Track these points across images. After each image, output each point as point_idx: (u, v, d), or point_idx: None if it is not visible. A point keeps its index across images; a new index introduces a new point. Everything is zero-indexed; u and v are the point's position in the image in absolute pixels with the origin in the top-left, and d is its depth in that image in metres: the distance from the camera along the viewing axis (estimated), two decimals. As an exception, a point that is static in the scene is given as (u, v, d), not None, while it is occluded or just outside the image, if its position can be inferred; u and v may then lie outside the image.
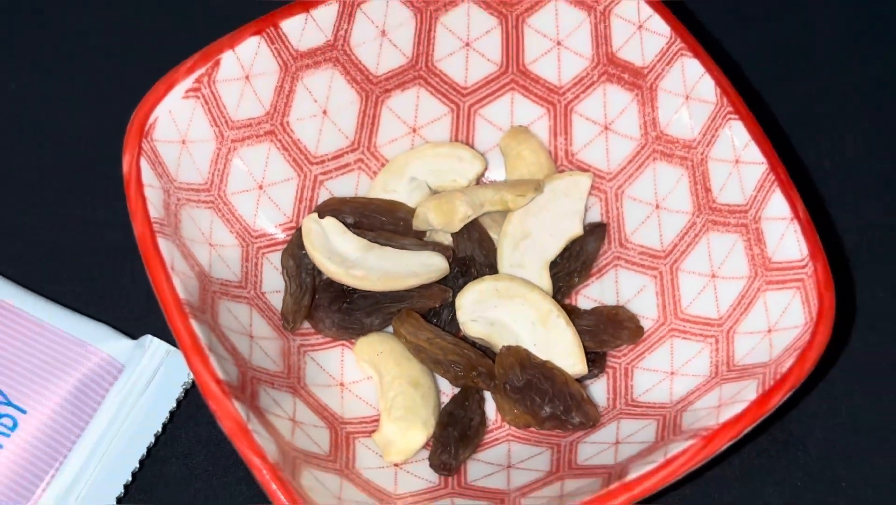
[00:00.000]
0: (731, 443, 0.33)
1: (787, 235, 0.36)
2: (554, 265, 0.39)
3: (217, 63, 0.37)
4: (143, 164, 0.36)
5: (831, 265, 0.35)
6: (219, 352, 0.34)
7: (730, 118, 0.37)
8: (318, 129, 0.40)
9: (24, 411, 0.37)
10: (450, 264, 0.39)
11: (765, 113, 0.43)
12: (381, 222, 0.39)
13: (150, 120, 0.36)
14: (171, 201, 0.36)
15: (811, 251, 0.35)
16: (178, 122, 0.37)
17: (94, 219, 0.42)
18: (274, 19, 0.38)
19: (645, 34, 0.39)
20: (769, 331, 0.36)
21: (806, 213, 0.36)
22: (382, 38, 0.40)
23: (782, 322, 0.35)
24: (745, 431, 0.33)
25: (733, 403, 0.34)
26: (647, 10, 0.39)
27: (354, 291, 0.38)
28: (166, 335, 0.37)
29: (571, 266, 0.40)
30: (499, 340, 0.38)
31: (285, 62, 0.38)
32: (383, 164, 0.41)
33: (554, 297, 0.39)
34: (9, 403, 0.37)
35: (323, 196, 0.40)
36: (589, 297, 0.40)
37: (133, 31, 0.45)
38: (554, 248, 0.39)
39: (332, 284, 0.38)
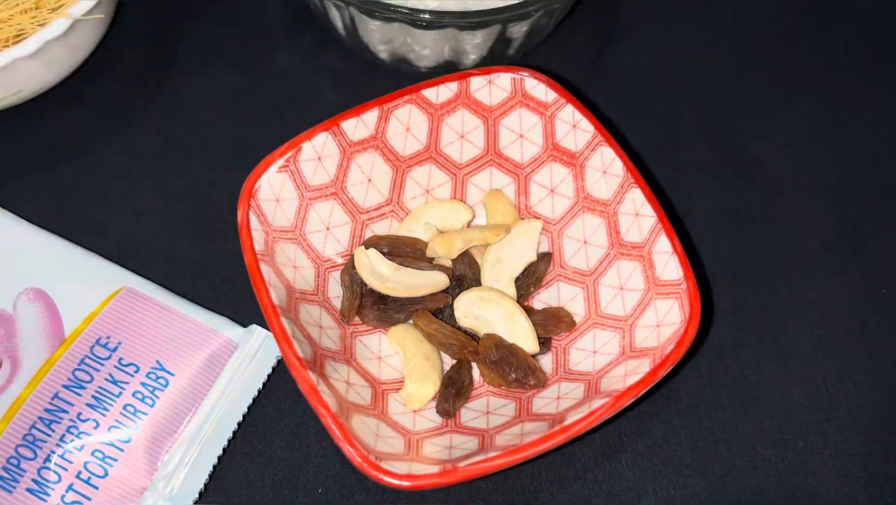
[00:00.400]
0: (632, 400, 0.31)
1: (669, 263, 0.34)
2: (517, 280, 0.37)
3: (299, 149, 0.36)
4: (251, 216, 0.34)
5: (697, 282, 0.34)
6: (299, 338, 0.32)
7: (632, 187, 0.36)
8: (365, 190, 0.38)
9: (172, 374, 0.35)
10: (449, 279, 0.37)
11: (653, 181, 0.42)
12: (406, 252, 0.38)
13: (256, 186, 0.35)
14: (269, 239, 0.35)
15: (685, 274, 0.34)
16: (273, 187, 0.36)
17: (223, 248, 0.40)
18: (337, 121, 0.36)
19: (577, 131, 0.37)
20: (657, 326, 0.34)
21: (681, 249, 0.34)
22: (407, 133, 0.38)
23: (666, 320, 0.34)
24: (642, 393, 0.31)
25: (634, 373, 0.32)
26: (579, 116, 0.37)
27: (388, 296, 0.37)
28: (266, 325, 0.36)
29: (529, 280, 0.38)
30: (482, 330, 0.36)
31: (344, 148, 0.37)
32: (407, 213, 0.39)
33: (518, 301, 0.37)
34: (163, 369, 0.35)
35: (367, 234, 0.38)
36: (541, 300, 0.38)
37: (247, 125, 0.43)
38: (518, 269, 0.38)
39: (373, 292, 0.37)
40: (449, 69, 0.43)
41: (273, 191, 0.36)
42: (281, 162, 0.36)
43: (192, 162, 0.42)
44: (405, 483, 0.29)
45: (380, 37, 0.41)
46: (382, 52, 0.42)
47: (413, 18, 0.38)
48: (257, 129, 0.43)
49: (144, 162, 0.42)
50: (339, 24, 0.42)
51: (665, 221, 0.35)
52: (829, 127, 0.44)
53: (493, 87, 0.38)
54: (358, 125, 0.37)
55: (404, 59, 0.42)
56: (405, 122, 0.38)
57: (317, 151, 0.36)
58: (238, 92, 0.44)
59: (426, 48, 0.41)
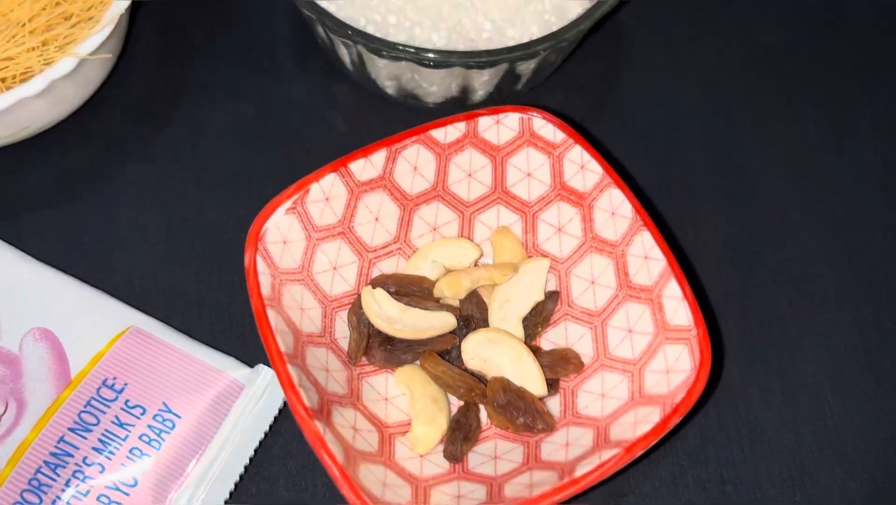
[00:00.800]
0: (643, 451, 0.31)
1: (679, 309, 0.34)
2: (525, 319, 0.37)
3: (307, 190, 0.35)
4: (258, 259, 0.34)
5: (707, 327, 0.34)
6: (306, 386, 0.32)
7: (641, 229, 0.35)
8: (372, 229, 0.38)
9: (179, 416, 0.35)
10: (457, 319, 0.37)
11: (660, 220, 0.41)
12: (413, 290, 0.38)
13: (263, 230, 0.35)
14: (276, 283, 0.35)
15: (695, 320, 0.33)
16: (281, 229, 0.35)
17: (231, 283, 0.39)
18: (345, 162, 0.36)
19: (586, 172, 0.37)
20: (667, 371, 0.33)
21: (692, 294, 0.34)
22: (415, 172, 0.38)
23: (676, 366, 0.33)
24: (653, 444, 0.31)
25: (645, 422, 0.32)
26: (587, 157, 0.37)
27: (395, 337, 0.37)
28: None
29: (536, 320, 0.37)
30: (489, 372, 0.36)
31: (351, 188, 0.37)
32: (414, 251, 0.39)
33: (525, 341, 0.36)
34: (169, 410, 0.35)
35: (374, 273, 0.38)
36: (548, 339, 0.38)
37: (256, 158, 0.42)
38: (525, 308, 0.37)
39: (380, 333, 0.37)
40: (456, 104, 0.43)
41: (280, 233, 0.35)
42: (288, 204, 0.35)
43: (200, 196, 0.42)
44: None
45: (387, 73, 0.40)
46: (389, 87, 0.42)
47: (420, 58, 0.38)
48: (265, 163, 0.43)
49: (152, 196, 0.42)
50: (346, 59, 0.42)
51: (675, 266, 0.35)
52: (839, 156, 0.44)
53: (501, 126, 0.38)
54: (366, 166, 0.37)
55: (412, 95, 0.42)
56: (413, 161, 0.37)
57: (325, 192, 0.36)
58: (246, 125, 0.43)
59: (433, 85, 0.41)
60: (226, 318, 0.39)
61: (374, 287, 0.37)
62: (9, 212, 0.41)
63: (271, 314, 0.33)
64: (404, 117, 0.43)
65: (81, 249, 0.40)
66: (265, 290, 0.33)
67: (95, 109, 0.43)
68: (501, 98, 0.43)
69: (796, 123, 0.45)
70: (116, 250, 0.40)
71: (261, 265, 0.34)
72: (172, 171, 0.42)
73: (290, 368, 0.32)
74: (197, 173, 0.42)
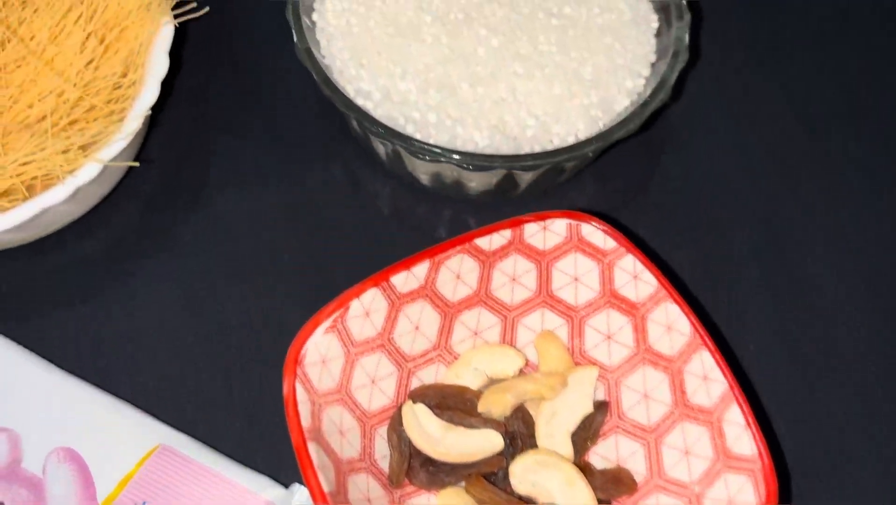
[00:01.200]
0: None
1: (741, 437, 0.32)
2: (574, 434, 0.35)
3: (347, 307, 0.34)
4: (298, 386, 0.32)
5: (773, 459, 0.32)
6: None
7: (700, 348, 0.34)
8: (412, 339, 0.36)
9: None
10: (503, 435, 0.36)
11: (720, 338, 0.39)
12: (455, 403, 0.36)
13: (302, 352, 0.33)
14: (315, 409, 0.33)
15: (759, 451, 0.31)
16: (320, 349, 0.33)
17: (261, 389, 0.38)
18: (386, 275, 0.34)
19: (639, 282, 0.35)
20: (728, 502, 0.32)
21: (756, 423, 0.32)
22: (457, 280, 0.36)
23: (738, 498, 0.31)
24: None
25: None
26: (641, 267, 0.35)
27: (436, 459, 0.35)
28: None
29: (585, 434, 0.36)
30: (539, 496, 0.34)
31: (392, 301, 0.35)
32: (455, 357, 0.37)
33: (574, 458, 0.35)
34: None
35: (414, 382, 0.36)
36: (598, 453, 0.36)
37: (286, 250, 0.40)
38: (574, 422, 0.35)
39: (422, 452, 0.35)
40: (496, 195, 0.41)
41: (319, 353, 0.33)
42: (328, 323, 0.33)
43: (227, 292, 0.40)
44: None
45: (425, 169, 0.39)
46: (425, 179, 0.40)
47: (462, 162, 0.36)
48: (297, 255, 0.41)
49: (177, 292, 0.40)
50: (381, 152, 0.40)
51: (737, 390, 0.33)
52: (891, 242, 0.42)
53: (548, 232, 0.36)
54: (408, 278, 0.35)
55: (450, 187, 0.40)
56: (456, 270, 0.36)
57: (365, 307, 0.34)
58: (275, 214, 0.42)
59: (473, 181, 0.39)
60: (259, 429, 0.37)
61: (414, 401, 0.35)
62: (28, 312, 0.39)
63: (312, 449, 0.31)
64: (440, 208, 0.41)
65: (103, 353, 0.38)
66: (305, 421, 0.31)
67: (115, 200, 0.41)
68: (542, 188, 0.41)
69: (845, 209, 0.43)
70: (140, 351, 0.39)
71: (300, 393, 0.32)
72: (197, 263, 0.41)
73: (333, 500, 0.30)
74: (225, 267, 0.40)
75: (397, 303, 0.35)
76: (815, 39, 0.47)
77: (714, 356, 0.33)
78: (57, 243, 0.40)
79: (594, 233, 0.36)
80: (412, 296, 0.35)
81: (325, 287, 0.36)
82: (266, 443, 0.37)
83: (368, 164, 0.42)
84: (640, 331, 0.36)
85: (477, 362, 0.37)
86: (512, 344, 0.38)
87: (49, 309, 0.39)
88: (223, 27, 0.44)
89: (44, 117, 0.37)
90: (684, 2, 0.40)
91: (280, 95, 0.44)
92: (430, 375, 0.37)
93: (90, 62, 0.37)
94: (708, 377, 0.34)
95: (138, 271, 0.40)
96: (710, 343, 0.34)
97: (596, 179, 0.42)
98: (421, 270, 0.35)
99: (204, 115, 0.43)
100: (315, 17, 0.40)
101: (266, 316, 0.39)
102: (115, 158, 0.36)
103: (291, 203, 0.42)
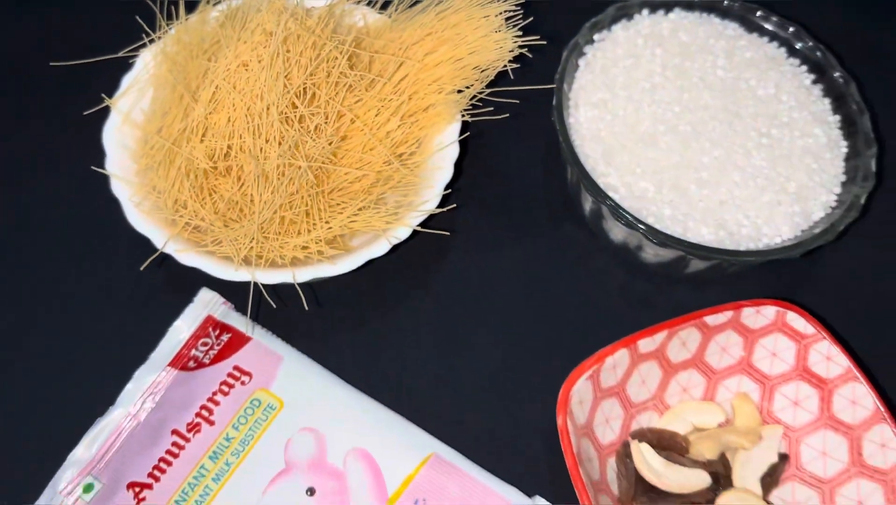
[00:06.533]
0: None
1: None
2: (762, 479, 0.43)
3: (603, 362, 0.42)
4: (568, 420, 0.41)
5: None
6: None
7: (881, 422, 0.41)
8: (638, 390, 0.44)
9: None
10: (710, 475, 0.44)
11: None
12: (670, 445, 0.44)
13: (571, 393, 0.41)
14: (576, 439, 0.41)
15: None
16: (580, 393, 0.42)
17: (513, 417, 0.45)
18: (635, 339, 0.42)
19: (831, 363, 0.43)
20: None
21: None
22: (682, 347, 0.44)
23: None
24: None
25: None
26: (835, 350, 0.42)
27: (657, 487, 0.43)
28: (543, 495, 0.43)
29: (770, 480, 0.43)
30: None
31: (633, 359, 0.43)
32: (666, 408, 0.45)
33: (763, 497, 0.43)
34: None
35: (633, 425, 0.44)
36: (777, 497, 0.44)
37: (526, 331, 0.48)
38: (762, 469, 0.43)
39: (643, 480, 0.43)
40: (704, 274, 0.49)
41: (579, 395, 0.42)
42: (589, 373, 0.42)
43: (474, 336, 0.48)
44: None
45: (654, 252, 0.47)
46: (650, 258, 0.49)
47: (691, 251, 0.44)
48: (528, 313, 0.49)
49: (429, 338, 0.48)
50: (615, 235, 0.48)
51: (913, 460, 0.41)
52: None
53: (759, 315, 0.44)
54: (649, 343, 0.43)
55: (669, 266, 0.49)
56: (683, 339, 0.44)
57: (614, 362, 0.43)
58: (506, 277, 0.50)
59: (691, 266, 0.47)
60: (507, 447, 0.45)
61: (638, 440, 0.43)
62: (324, 335, 0.48)
63: (582, 472, 0.39)
64: (661, 285, 0.49)
65: (385, 375, 0.47)
66: (576, 448, 0.40)
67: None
68: (742, 273, 0.49)
69: None
70: (411, 376, 0.47)
71: (570, 425, 0.40)
72: (443, 307, 0.49)
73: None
74: (467, 314, 0.49)
75: (636, 360, 0.44)
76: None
77: (893, 429, 0.41)
78: (343, 284, 0.49)
79: (797, 320, 0.44)
80: (647, 356, 0.44)
81: (557, 343, 0.45)
82: (516, 458, 0.45)
83: (596, 245, 0.51)
84: (825, 401, 0.44)
85: (685, 413, 0.45)
86: (713, 400, 0.46)
87: (339, 334, 0.48)
88: (494, 125, 0.52)
89: (355, 181, 0.46)
90: (871, 134, 0.48)
91: (522, 185, 0.52)
92: (645, 420, 0.45)
93: (396, 142, 0.46)
94: (886, 445, 0.42)
95: (404, 313, 0.49)
96: (890, 418, 0.42)
97: (789, 264, 0.50)
98: (660, 337, 0.43)
99: (457, 191, 0.52)
100: (570, 120, 0.49)
101: (508, 359, 0.48)
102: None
103: (521, 273, 0.50)
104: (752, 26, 0.52)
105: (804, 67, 0.51)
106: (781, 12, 0.52)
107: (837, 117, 0.50)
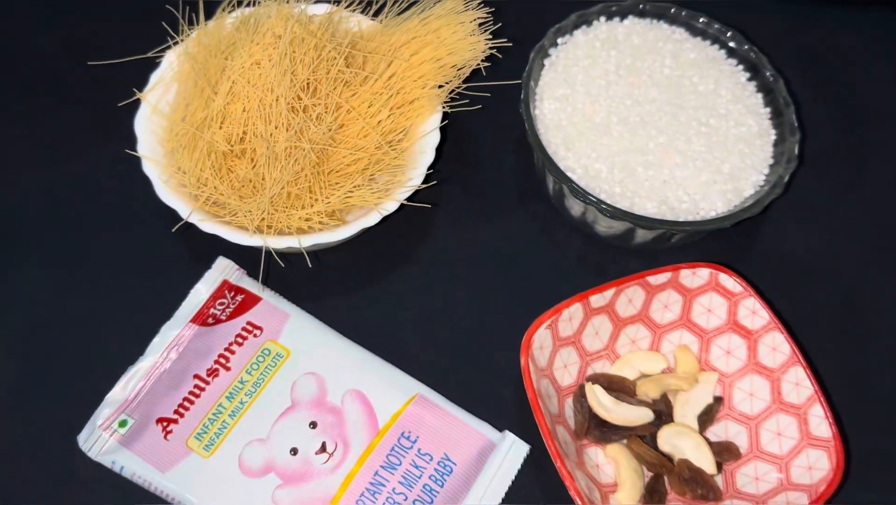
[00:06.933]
0: None
1: (821, 425, 0.46)
2: (698, 416, 0.50)
3: (560, 314, 0.49)
4: (530, 362, 0.48)
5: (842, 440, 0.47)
6: (560, 447, 0.46)
7: (796, 364, 0.48)
8: (592, 340, 0.51)
9: (455, 464, 0.47)
10: (653, 412, 0.51)
11: (808, 357, 0.53)
12: (619, 387, 0.51)
13: (532, 339, 0.48)
14: (537, 378, 0.49)
15: (834, 435, 0.46)
16: (540, 339, 0.49)
17: (481, 366, 0.53)
18: (587, 295, 0.49)
19: (755, 316, 0.50)
20: (809, 468, 0.46)
21: (832, 416, 0.47)
22: (629, 303, 0.52)
23: (817, 465, 0.45)
24: None
25: (796, 502, 0.45)
26: (759, 305, 0.50)
27: (608, 422, 0.50)
28: (513, 431, 0.49)
29: (706, 417, 0.50)
30: (676, 454, 0.49)
31: (587, 312, 0.50)
32: (617, 357, 0.52)
33: (700, 433, 0.50)
34: (449, 459, 0.48)
35: (588, 371, 0.51)
36: (713, 432, 0.50)
37: (497, 292, 0.57)
38: (699, 408, 0.50)
39: (596, 417, 0.50)
40: (653, 245, 0.56)
41: (539, 341, 0.49)
42: (548, 322, 0.49)
43: (455, 298, 0.55)
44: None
45: (607, 224, 0.55)
46: (603, 231, 0.56)
47: (637, 222, 0.52)
48: (499, 277, 0.56)
49: (422, 294, 0.55)
50: (574, 210, 0.56)
51: (821, 395, 0.48)
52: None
53: (695, 276, 0.52)
54: (599, 298, 0.51)
55: (620, 238, 0.56)
56: (630, 296, 0.52)
57: (570, 315, 0.50)
58: (482, 250, 0.57)
59: (638, 236, 0.55)
60: (481, 388, 0.52)
61: (593, 383, 0.51)
62: (324, 296, 0.55)
63: (541, 402, 0.47)
64: (612, 254, 0.57)
65: (376, 329, 0.54)
66: (536, 385, 0.47)
67: (376, 228, 0.56)
68: (684, 243, 0.57)
69: None
70: (399, 330, 0.54)
71: (531, 365, 0.48)
72: (432, 280, 0.56)
73: (553, 438, 0.45)
74: (450, 280, 0.56)
75: (590, 314, 0.51)
76: (887, 146, 0.63)
77: (805, 370, 0.49)
78: (340, 252, 0.56)
79: (727, 280, 0.52)
80: (599, 311, 0.51)
81: (524, 302, 0.53)
82: (488, 398, 0.52)
83: (559, 220, 0.59)
84: (751, 350, 0.52)
85: (634, 362, 0.53)
86: (658, 351, 0.54)
87: (341, 297, 0.55)
88: (470, 115, 0.58)
89: (351, 163, 0.54)
90: (795, 124, 0.56)
91: (494, 167, 0.60)
92: (599, 367, 0.53)
93: (386, 129, 0.54)
94: (799, 384, 0.49)
95: (393, 277, 0.56)
96: (803, 361, 0.49)
97: (724, 238, 0.58)
98: (609, 293, 0.51)
99: (437, 172, 0.60)
100: (536, 112, 0.56)
101: (482, 315, 0.55)
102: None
103: (494, 243, 0.58)
104: (695, 31, 0.60)
105: (741, 67, 0.59)
106: (722, 18, 0.60)
107: (768, 109, 0.57)
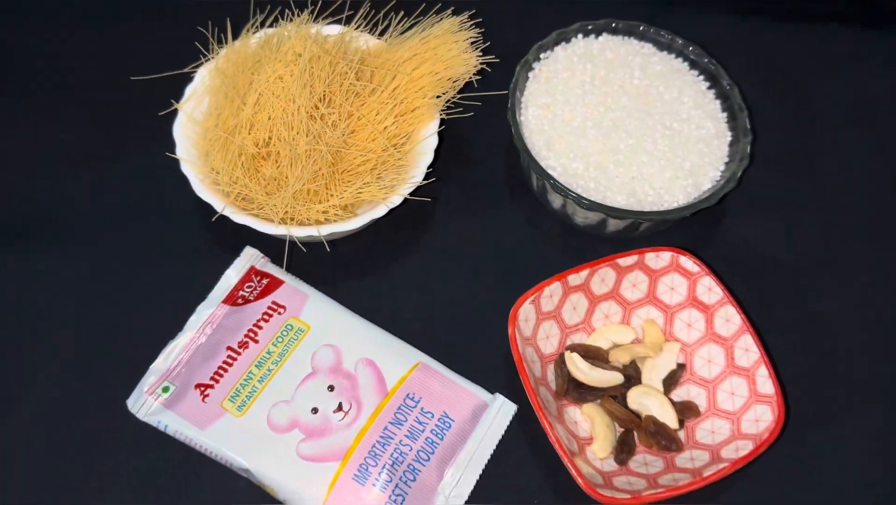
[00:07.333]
0: (744, 464, 0.51)
1: (766, 384, 0.53)
2: (664, 380, 0.57)
3: (541, 291, 0.56)
4: (516, 332, 0.56)
5: (784, 396, 0.55)
6: (543, 404, 0.54)
7: (745, 333, 0.56)
8: (570, 315, 0.58)
9: (453, 420, 0.53)
10: (623, 375, 0.59)
11: (756, 327, 0.61)
12: (594, 355, 0.58)
13: (518, 312, 0.56)
14: (522, 346, 0.56)
15: (776, 392, 0.53)
16: (525, 313, 0.56)
17: (476, 336, 0.61)
18: (565, 274, 0.57)
19: (711, 293, 0.57)
20: (756, 420, 0.51)
21: (775, 375, 0.54)
22: (602, 283, 0.60)
23: (762, 417, 0.51)
24: (749, 460, 0.50)
25: (744, 449, 0.51)
26: (713, 283, 0.57)
27: (584, 384, 0.58)
28: (504, 394, 0.55)
29: (670, 381, 0.57)
30: (643, 411, 0.54)
31: (566, 290, 0.57)
32: (593, 330, 0.58)
33: (664, 395, 0.58)
34: (447, 417, 0.52)
35: (568, 341, 0.57)
36: (676, 395, 0.57)
37: (489, 273, 0.65)
38: (664, 373, 0.56)
39: (574, 380, 0.57)
40: (623, 234, 0.64)
41: (524, 315, 0.57)
42: (531, 298, 0.57)
43: (450, 280, 0.63)
44: (627, 497, 0.50)
45: (583, 215, 0.63)
46: (580, 221, 0.64)
47: (609, 212, 0.59)
48: (490, 261, 0.64)
49: (422, 277, 0.63)
50: (555, 203, 0.64)
51: (765, 358, 0.56)
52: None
53: (659, 259, 0.60)
54: (576, 278, 0.59)
55: (595, 227, 0.64)
56: (602, 276, 0.59)
57: (550, 292, 0.58)
58: (477, 239, 0.64)
59: (611, 225, 0.63)
60: (474, 356, 0.59)
61: (571, 352, 0.59)
62: (338, 279, 0.63)
63: (525, 365, 0.55)
64: (588, 241, 0.65)
65: (383, 306, 0.61)
66: (521, 351, 0.55)
67: (380, 221, 0.63)
68: (652, 232, 0.65)
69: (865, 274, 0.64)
70: (403, 306, 0.61)
71: (518, 335, 0.56)
72: (430, 267, 0.63)
73: (536, 396, 0.53)
74: (447, 267, 0.64)
75: (568, 292, 0.59)
76: (834, 147, 0.70)
77: (753, 338, 0.57)
78: (352, 241, 0.64)
79: (688, 262, 0.60)
80: (576, 289, 0.59)
81: (512, 283, 0.60)
82: (481, 365, 0.57)
83: (542, 212, 0.66)
84: (709, 322, 0.59)
85: (608, 334, 0.60)
86: (628, 324, 0.61)
87: (354, 281, 0.63)
88: (464, 122, 0.65)
89: (362, 164, 0.62)
90: (748, 126, 0.64)
91: (486, 167, 0.68)
92: (578, 339, 0.60)
93: (391, 134, 0.62)
94: (748, 350, 0.57)
95: (399, 262, 0.64)
96: (751, 330, 0.57)
97: (687, 228, 0.66)
98: (584, 273, 0.59)
99: (436, 171, 0.67)
100: (521, 118, 0.64)
101: (475, 294, 0.63)
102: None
103: (486, 232, 0.65)
104: (662, 45, 0.68)
105: (701, 77, 0.67)
106: (685, 34, 0.68)
107: (724, 114, 0.65)
